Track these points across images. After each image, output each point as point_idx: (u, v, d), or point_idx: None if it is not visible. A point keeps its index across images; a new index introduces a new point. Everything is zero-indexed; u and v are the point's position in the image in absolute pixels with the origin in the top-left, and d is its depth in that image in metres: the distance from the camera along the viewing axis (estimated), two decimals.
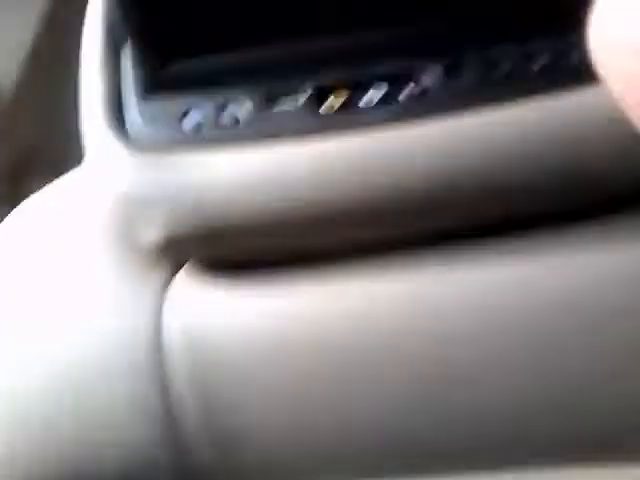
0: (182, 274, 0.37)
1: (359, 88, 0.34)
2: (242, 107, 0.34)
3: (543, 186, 0.32)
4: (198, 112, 0.34)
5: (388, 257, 0.34)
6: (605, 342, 0.32)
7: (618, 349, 0.32)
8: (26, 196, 0.74)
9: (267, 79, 0.34)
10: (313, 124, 0.33)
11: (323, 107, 0.33)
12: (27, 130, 0.76)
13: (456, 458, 0.34)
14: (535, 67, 0.33)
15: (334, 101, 0.34)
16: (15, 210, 0.45)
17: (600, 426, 0.32)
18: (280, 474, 0.35)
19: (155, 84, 0.35)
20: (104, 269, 0.38)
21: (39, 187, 0.73)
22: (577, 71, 0.31)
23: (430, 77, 0.33)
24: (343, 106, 0.33)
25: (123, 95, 0.35)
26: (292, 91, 0.34)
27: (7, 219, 0.45)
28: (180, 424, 0.35)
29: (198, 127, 0.34)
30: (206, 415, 0.35)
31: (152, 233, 0.35)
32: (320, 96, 0.34)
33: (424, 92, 0.33)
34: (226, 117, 0.34)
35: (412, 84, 0.33)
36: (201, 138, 0.34)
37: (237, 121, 0.34)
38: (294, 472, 0.35)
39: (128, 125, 0.35)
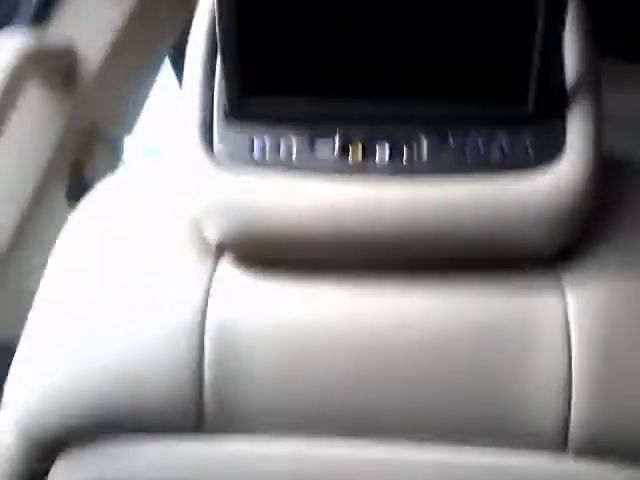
0: (226, 266, 0.47)
1: (372, 144, 0.44)
2: (292, 145, 0.45)
3: (465, 239, 0.43)
4: (262, 143, 0.45)
5: (379, 278, 0.45)
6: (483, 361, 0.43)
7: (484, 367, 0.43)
8: (84, 171, 0.79)
9: (311, 126, 0.45)
10: (338, 168, 0.44)
11: (349, 158, 0.44)
12: (98, 109, 0.81)
13: (386, 428, 0.44)
14: (495, 151, 0.43)
15: (355, 152, 0.44)
16: (95, 189, 0.54)
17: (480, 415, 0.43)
18: (265, 427, 0.45)
19: (236, 112, 0.45)
20: (164, 259, 0.48)
21: (95, 164, 0.79)
22: (526, 160, 0.43)
23: (423, 146, 0.44)
24: (362, 159, 0.44)
25: (213, 116, 0.46)
26: (327, 138, 0.44)
27: (88, 197, 0.54)
28: (203, 386, 0.45)
29: (262, 153, 0.45)
30: (221, 381, 0.45)
31: (213, 232, 0.45)
32: (345, 145, 0.44)
33: (419, 157, 0.44)
34: (281, 149, 0.45)
35: (410, 149, 0.44)
36: (263, 163, 0.45)
37: (289, 154, 0.44)
38: (275, 426, 0.45)
39: (214, 143, 0.45)
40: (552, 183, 0.42)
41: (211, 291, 0.46)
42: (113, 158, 0.81)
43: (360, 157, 0.44)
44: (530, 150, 0.43)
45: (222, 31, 0.42)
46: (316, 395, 0.45)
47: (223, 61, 0.43)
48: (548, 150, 0.43)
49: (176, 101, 0.93)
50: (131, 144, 0.84)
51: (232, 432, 0.45)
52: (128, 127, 0.85)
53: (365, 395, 0.44)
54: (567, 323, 0.43)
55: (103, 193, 0.53)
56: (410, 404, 0.44)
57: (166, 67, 0.95)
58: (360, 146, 0.44)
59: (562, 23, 0.42)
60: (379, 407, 0.44)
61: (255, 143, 0.44)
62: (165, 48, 0.88)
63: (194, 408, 0.45)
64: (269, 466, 0.45)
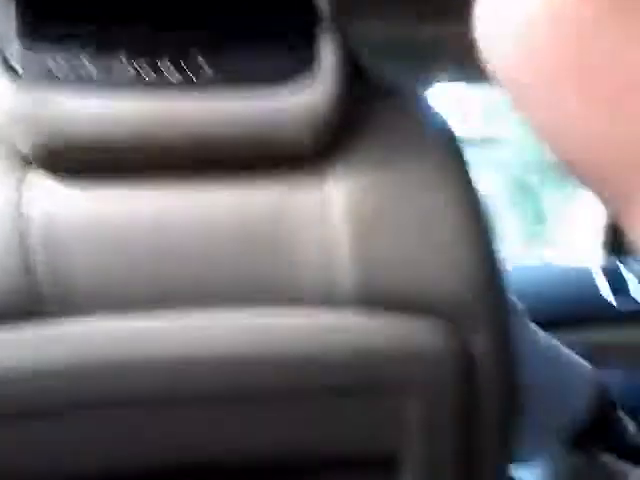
0: (35, 172, 0.52)
1: (158, 64, 0.51)
2: (86, 65, 0.50)
3: (239, 143, 0.52)
4: (58, 64, 0.50)
5: (170, 179, 0.53)
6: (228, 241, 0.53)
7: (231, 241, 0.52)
8: None
9: (103, 49, 0.50)
10: (128, 85, 0.50)
11: (137, 74, 0.50)
12: None
13: (189, 298, 0.52)
14: (261, 68, 0.52)
15: (142, 70, 0.50)
16: None
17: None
18: (93, 305, 0.52)
19: (30, 37, 0.49)
20: None
21: None
22: (288, 75, 0.52)
23: (203, 64, 0.51)
24: (149, 75, 0.51)
25: (10, 38, 0.49)
26: (118, 61, 0.51)
27: None
28: (33, 271, 0.50)
29: (58, 72, 0.50)
30: (50, 265, 0.50)
31: (17, 143, 0.50)
32: (135, 66, 0.51)
33: (198, 73, 0.51)
34: (76, 69, 0.50)
35: (191, 66, 0.51)
36: (59, 81, 0.50)
37: (83, 74, 0.50)
38: (103, 304, 0.51)
39: (13, 63, 0.49)
40: (306, 91, 0.52)
41: (23, 192, 0.51)
42: None
43: (146, 75, 0.50)
44: (289, 64, 0.52)
45: None
46: (131, 275, 0.51)
47: None
48: (304, 64, 0.52)
49: None
50: None
51: (67, 315, 0.51)
52: None
53: (170, 272, 0.52)
54: (326, 208, 0.53)
55: None
56: (204, 278, 0.52)
57: None
58: (147, 67, 0.50)
59: None
60: (184, 281, 0.52)
61: (51, 63, 0.50)
62: None
63: (26, 297, 0.50)
64: (100, 338, 0.51)
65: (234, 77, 0.51)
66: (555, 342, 0.69)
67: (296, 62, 0.52)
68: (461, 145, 0.58)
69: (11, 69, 0.49)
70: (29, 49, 0.49)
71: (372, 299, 0.53)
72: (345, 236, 0.53)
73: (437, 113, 0.60)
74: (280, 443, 0.55)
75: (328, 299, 0.53)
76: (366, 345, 0.53)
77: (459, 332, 0.54)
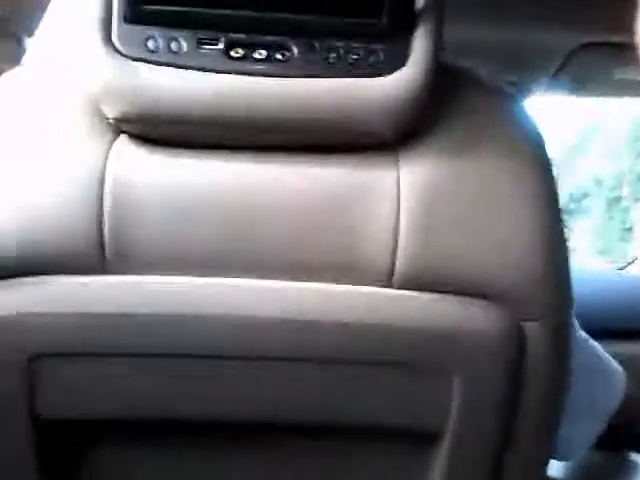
0: (123, 140, 0.55)
1: (250, 48, 0.54)
2: (182, 44, 0.53)
3: (323, 122, 0.53)
4: (156, 41, 0.53)
5: (246, 154, 0.55)
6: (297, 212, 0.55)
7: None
8: None
9: (198, 29, 0.53)
10: (221, 65, 0.53)
11: (230, 55, 0.53)
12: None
13: (254, 266, 0.55)
14: (353, 57, 0.54)
15: (235, 54, 0.53)
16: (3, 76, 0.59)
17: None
18: (157, 268, 0.54)
19: (131, 16, 0.53)
20: (71, 129, 0.55)
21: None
22: (378, 65, 0.53)
23: (294, 52, 0.54)
24: (241, 59, 0.53)
25: (113, 17, 0.53)
26: (212, 41, 0.53)
27: None
28: (103, 233, 0.53)
29: (155, 50, 0.53)
30: (119, 229, 0.53)
31: (110, 109, 0.53)
32: (227, 47, 0.54)
33: (289, 60, 0.54)
34: (172, 48, 0.53)
35: (282, 54, 0.54)
36: (155, 57, 0.53)
37: (178, 52, 0.53)
38: (165, 267, 0.54)
39: (113, 38, 0.53)
40: (396, 84, 0.53)
41: (109, 155, 0.54)
42: (17, 56, 0.88)
43: (240, 57, 0.53)
44: (381, 57, 0.53)
45: None
46: (198, 242, 0.54)
47: None
48: (396, 58, 0.53)
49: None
50: (32, 44, 0.91)
51: (130, 273, 0.54)
52: (30, 29, 0.91)
53: (238, 241, 0.54)
54: (398, 190, 0.54)
55: (7, 82, 0.59)
56: (273, 248, 0.55)
57: None
58: (240, 50, 0.53)
59: None
60: (248, 251, 0.55)
61: (149, 41, 0.53)
62: None
63: (96, 252, 0.53)
64: (162, 292, 0.54)
65: (323, 67, 0.53)
66: (593, 343, 0.69)
67: (386, 56, 0.54)
68: (546, 150, 0.58)
69: (110, 44, 0.53)
70: (128, 25, 0.53)
71: (430, 279, 0.55)
72: (410, 218, 0.54)
73: (527, 115, 0.60)
74: (332, 407, 0.56)
75: (388, 275, 0.55)
76: (419, 324, 0.54)
77: (513, 318, 0.54)
